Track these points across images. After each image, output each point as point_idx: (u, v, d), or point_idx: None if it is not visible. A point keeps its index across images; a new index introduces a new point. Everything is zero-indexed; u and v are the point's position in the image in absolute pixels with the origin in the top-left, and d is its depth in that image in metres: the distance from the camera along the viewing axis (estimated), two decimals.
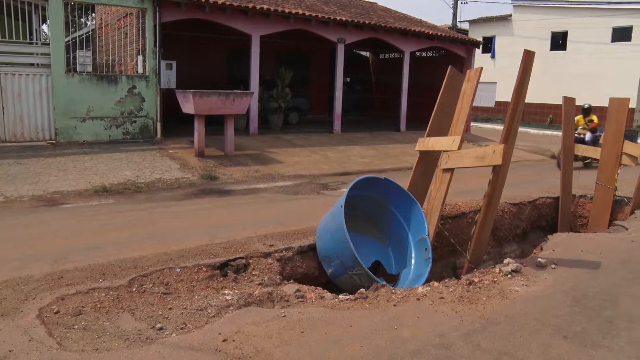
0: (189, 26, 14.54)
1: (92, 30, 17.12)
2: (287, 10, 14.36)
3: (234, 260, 5.26)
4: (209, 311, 4.12)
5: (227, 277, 4.96)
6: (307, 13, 14.83)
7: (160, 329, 3.78)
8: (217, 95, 11.21)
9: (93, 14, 19.09)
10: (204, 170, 10.29)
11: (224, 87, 14.75)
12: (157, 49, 12.41)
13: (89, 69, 12.64)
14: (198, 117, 11.18)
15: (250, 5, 13.65)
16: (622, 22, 28.87)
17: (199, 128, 11.27)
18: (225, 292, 4.60)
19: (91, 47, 16.04)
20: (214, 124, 12.57)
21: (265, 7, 13.96)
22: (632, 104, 27.04)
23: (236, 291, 4.63)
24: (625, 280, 5.18)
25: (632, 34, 28.51)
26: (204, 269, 4.97)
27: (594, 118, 14.23)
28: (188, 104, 11.03)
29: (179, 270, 4.85)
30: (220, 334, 3.68)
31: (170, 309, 4.14)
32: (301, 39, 17.94)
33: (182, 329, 3.81)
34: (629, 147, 8.83)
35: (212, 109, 11.18)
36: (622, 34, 28.93)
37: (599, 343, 3.80)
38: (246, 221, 6.93)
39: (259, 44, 14.40)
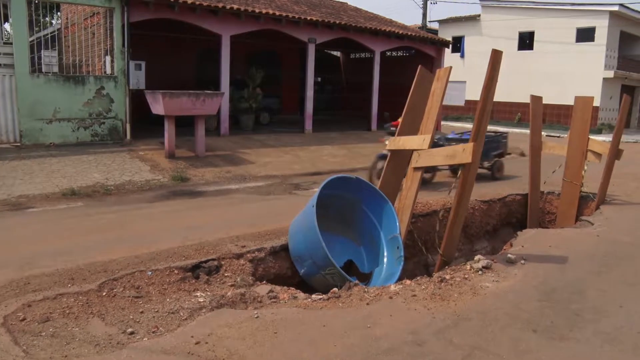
0: (159, 26, 14.37)
1: (58, 29, 16.75)
2: (257, 10, 14.31)
3: (206, 262, 5.22)
4: (181, 314, 4.09)
5: (199, 279, 4.93)
6: (277, 13, 14.80)
7: (132, 333, 3.73)
8: (187, 95, 11.10)
9: (59, 13, 18.73)
10: (174, 171, 10.18)
11: (194, 87, 14.62)
12: (126, 49, 12.23)
13: (55, 69, 12.34)
14: (168, 118, 11.06)
15: (220, 5, 13.55)
16: (585, 23, 29.56)
17: (169, 129, 11.15)
18: (198, 294, 4.57)
19: (57, 47, 15.70)
20: (185, 125, 12.44)
21: (235, 7, 13.88)
22: (597, 103, 27.74)
23: (208, 293, 4.61)
24: (592, 274, 5.32)
25: (595, 35, 29.21)
26: (176, 271, 4.92)
27: None
28: (158, 105, 10.90)
29: (150, 273, 4.80)
30: (192, 336, 3.65)
31: (141, 312, 4.09)
32: (272, 39, 17.91)
33: (154, 332, 3.77)
34: (593, 144, 9.05)
35: (182, 110, 11.07)
36: (585, 35, 29.62)
37: (567, 335, 3.90)
38: (218, 222, 6.89)
39: (230, 44, 14.32)
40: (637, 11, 30.51)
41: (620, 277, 5.27)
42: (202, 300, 4.36)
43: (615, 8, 28.41)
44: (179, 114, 11.10)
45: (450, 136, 11.65)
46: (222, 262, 5.30)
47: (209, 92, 12.03)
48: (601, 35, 28.96)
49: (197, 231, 6.33)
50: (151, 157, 11.08)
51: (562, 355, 3.61)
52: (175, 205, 8.09)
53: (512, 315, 4.22)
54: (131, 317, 4.00)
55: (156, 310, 4.14)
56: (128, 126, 12.46)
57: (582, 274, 5.31)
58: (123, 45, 12.20)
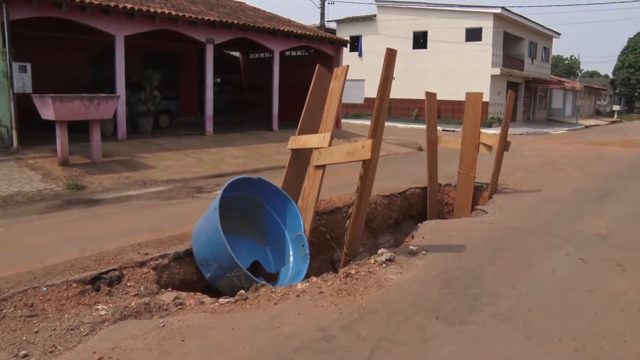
0: (48, 25, 13.54)
1: None
2: (152, 10, 13.87)
3: (106, 272, 5.02)
4: (82, 329, 3.91)
5: (101, 291, 4.73)
6: (173, 13, 14.43)
7: (25, 356, 3.51)
8: (79, 99, 10.55)
9: None
10: (69, 179, 9.65)
11: (88, 90, 13.89)
12: (7, 50, 11.41)
13: None
14: (60, 124, 10.45)
15: (113, 4, 12.98)
16: (473, 23, 31.42)
17: (61, 135, 10.54)
18: (99, 307, 4.39)
19: None
20: (79, 130, 11.82)
21: (128, 6, 13.36)
22: (486, 98, 29.55)
23: (111, 305, 4.44)
24: (487, 260, 5.70)
25: (482, 35, 31.13)
26: (74, 285, 4.69)
27: None
28: (47, 109, 10.27)
29: (45, 289, 4.54)
30: (95, 352, 3.51)
31: (36, 332, 3.87)
32: (169, 39, 17.45)
33: (51, 352, 3.58)
34: (485, 137, 9.64)
35: (75, 115, 10.50)
36: (474, 35, 31.48)
37: (467, 319, 4.17)
38: (118, 231, 6.63)
39: (124, 44, 13.75)
40: (517, 14, 32.89)
41: (512, 261, 5.68)
42: (104, 313, 4.20)
43: (498, 10, 30.45)
44: (71, 118, 10.52)
45: None
46: (124, 272, 5.12)
47: (103, 95, 11.51)
48: (487, 35, 30.91)
49: (96, 241, 6.06)
50: (42, 166, 10.43)
51: (463, 338, 3.84)
52: (71, 215, 7.69)
53: (415, 304, 4.43)
54: (24, 338, 3.76)
55: (53, 328, 3.93)
56: (15, 133, 11.63)
57: (478, 261, 5.67)
58: (4, 45, 11.38)
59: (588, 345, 3.75)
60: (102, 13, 13.10)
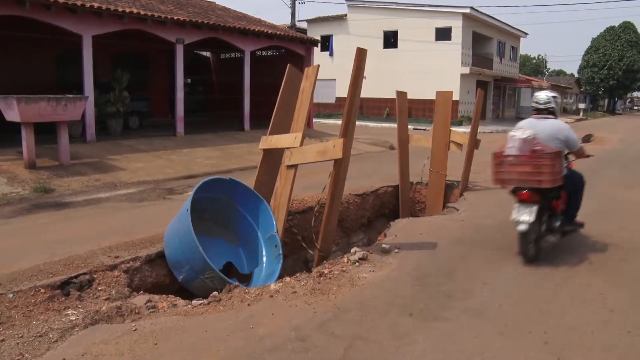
0: (11, 24, 13.21)
1: None
2: (120, 9, 13.65)
3: (76, 277, 4.92)
4: (51, 336, 3.83)
5: (70, 296, 4.64)
6: (142, 12, 14.24)
7: None
8: (46, 100, 10.33)
9: None
10: (36, 182, 9.44)
11: (56, 91, 13.59)
12: None
13: None
14: (26, 126, 10.20)
15: (79, 3, 12.72)
16: (443, 23, 31.81)
17: (27, 137, 10.29)
18: (69, 312, 4.30)
19: None
20: (47, 131, 11.57)
21: (96, 5, 13.12)
22: (456, 97, 29.95)
23: (81, 310, 4.36)
24: (459, 257, 5.77)
25: (452, 34, 31.53)
26: (43, 290, 4.59)
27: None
28: (12, 111, 10.02)
29: (11, 295, 4.42)
30: (64, 359, 3.44)
31: (2, 340, 3.76)
32: (139, 39, 17.21)
33: None
34: (455, 135, 9.76)
35: (42, 116, 10.27)
36: (443, 34, 31.88)
37: (439, 316, 4.21)
38: (88, 234, 6.51)
39: (92, 44, 13.50)
40: (486, 14, 33.41)
41: (483, 257, 5.76)
42: (74, 319, 4.12)
43: (467, 10, 30.88)
44: (37, 120, 10.29)
45: None
46: (95, 276, 5.03)
47: (71, 96, 11.28)
48: (457, 34, 31.33)
49: (65, 245, 5.94)
50: (8, 169, 10.17)
51: (436, 334, 3.88)
52: (38, 219, 7.52)
53: (389, 302, 4.45)
54: None
55: (20, 335, 3.83)
56: None
57: (450, 257, 5.73)
58: None
59: (557, 338, 3.84)
60: (68, 12, 12.84)
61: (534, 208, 5.35)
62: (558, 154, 5.46)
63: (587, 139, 6.54)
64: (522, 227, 5.34)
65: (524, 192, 5.40)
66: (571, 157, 6.28)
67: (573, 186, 5.98)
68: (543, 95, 5.89)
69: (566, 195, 5.99)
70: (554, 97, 5.92)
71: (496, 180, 5.66)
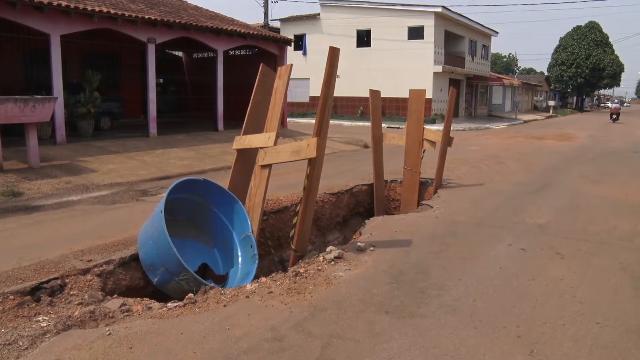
0: None
1: None
2: (90, 8, 13.41)
3: (47, 282, 4.82)
4: (21, 343, 3.74)
5: (41, 302, 4.54)
6: (112, 11, 14.01)
7: None
8: (13, 101, 10.09)
9: None
10: (4, 186, 9.22)
11: (23, 92, 13.29)
12: None
13: None
14: None
15: (46, 1, 12.45)
16: (415, 22, 32.07)
17: None
18: (40, 318, 4.21)
19: None
20: (14, 134, 11.29)
21: (64, 3, 12.86)
22: (429, 95, 30.24)
23: (53, 315, 4.27)
24: (433, 253, 5.83)
25: (424, 33, 31.81)
26: (11, 297, 4.48)
27: None
28: None
29: None
30: None
31: None
32: (110, 39, 16.94)
33: None
34: (428, 133, 9.85)
35: (9, 118, 10.04)
36: (416, 33, 32.14)
37: (415, 312, 4.25)
38: (59, 238, 6.39)
39: (61, 44, 13.24)
40: (457, 13, 33.81)
41: (457, 254, 5.83)
42: (45, 325, 4.03)
43: (439, 9, 31.19)
44: (4, 122, 10.05)
45: None
46: (67, 280, 4.93)
47: (39, 97, 11.04)
48: (429, 33, 31.63)
49: (35, 249, 5.81)
50: None
51: (411, 331, 3.91)
52: (6, 224, 7.34)
53: (365, 300, 4.47)
54: None
55: None
56: None
57: (425, 254, 5.79)
58: None
59: (530, 331, 3.91)
60: (34, 10, 12.55)
61: None
62: None
63: None
64: None
65: None
66: None
67: None
68: None
69: None
70: None
71: None
